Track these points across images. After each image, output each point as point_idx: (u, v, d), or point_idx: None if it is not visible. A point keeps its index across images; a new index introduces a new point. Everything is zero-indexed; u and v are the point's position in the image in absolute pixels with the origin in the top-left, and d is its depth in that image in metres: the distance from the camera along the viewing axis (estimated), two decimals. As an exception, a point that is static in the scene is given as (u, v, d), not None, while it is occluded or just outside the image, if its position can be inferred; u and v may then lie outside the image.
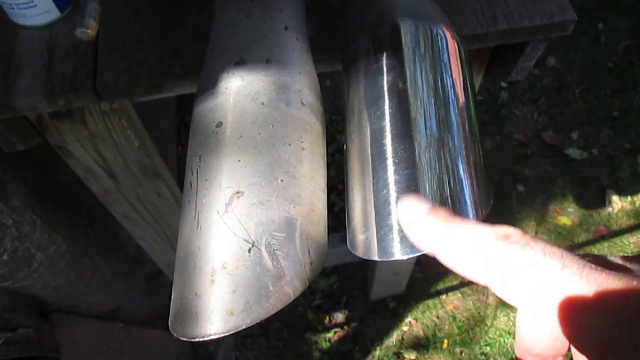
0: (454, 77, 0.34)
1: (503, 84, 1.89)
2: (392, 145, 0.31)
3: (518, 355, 0.25)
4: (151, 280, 1.13)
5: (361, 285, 1.56)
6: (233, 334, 0.26)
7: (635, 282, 0.18)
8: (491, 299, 1.54)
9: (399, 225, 0.28)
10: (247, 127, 0.32)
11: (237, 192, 0.30)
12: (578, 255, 0.19)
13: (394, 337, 1.50)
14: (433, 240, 0.22)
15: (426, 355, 1.46)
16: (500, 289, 0.20)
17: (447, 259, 0.22)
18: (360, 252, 0.30)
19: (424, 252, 0.27)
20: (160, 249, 0.94)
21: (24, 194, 0.69)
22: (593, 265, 0.18)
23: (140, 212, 0.78)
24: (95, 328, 0.98)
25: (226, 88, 0.34)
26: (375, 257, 0.29)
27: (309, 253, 0.30)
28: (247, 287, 0.27)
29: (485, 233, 0.20)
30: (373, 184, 0.30)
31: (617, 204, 1.66)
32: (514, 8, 0.51)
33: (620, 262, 0.21)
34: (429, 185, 0.29)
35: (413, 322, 1.52)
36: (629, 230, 1.63)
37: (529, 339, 0.24)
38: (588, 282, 0.18)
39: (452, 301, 1.55)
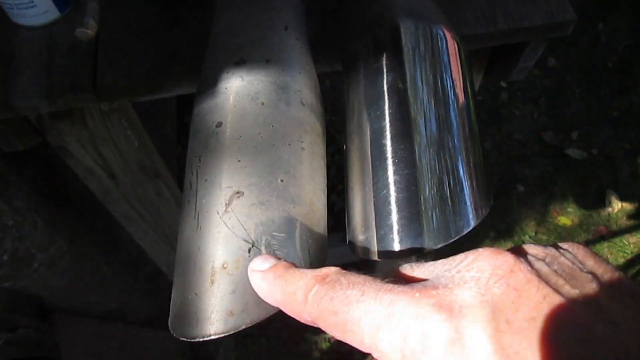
0: (453, 78, 0.34)
1: (503, 84, 1.89)
2: (391, 145, 0.31)
3: None
4: (151, 280, 1.12)
5: (361, 286, 1.56)
6: (233, 334, 0.26)
7: (416, 294, 0.19)
8: (491, 299, 1.54)
9: (399, 225, 0.28)
10: (247, 127, 0.32)
11: (237, 192, 0.30)
12: (380, 277, 0.21)
13: (393, 337, 1.50)
14: (269, 290, 0.24)
15: (426, 356, 1.46)
16: (326, 330, 0.22)
17: (285, 309, 0.24)
18: (360, 252, 0.30)
19: (423, 253, 0.27)
20: (160, 249, 0.94)
21: (28, 194, 0.69)
22: (390, 286, 0.20)
23: (140, 212, 0.78)
24: (95, 328, 0.98)
25: (226, 88, 0.34)
26: (375, 257, 0.29)
27: (309, 253, 0.30)
28: (247, 288, 0.27)
29: (308, 280, 0.22)
30: (373, 184, 0.30)
31: (617, 204, 1.66)
32: (514, 8, 0.51)
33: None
34: (429, 185, 0.29)
35: (413, 322, 1.52)
36: (629, 230, 1.63)
37: None
38: (382, 304, 0.19)
39: (452, 301, 1.55)
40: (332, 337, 1.51)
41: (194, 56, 0.50)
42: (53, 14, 0.51)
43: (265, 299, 0.25)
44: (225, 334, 0.26)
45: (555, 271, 0.19)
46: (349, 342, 0.21)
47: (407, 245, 0.28)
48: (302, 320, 0.23)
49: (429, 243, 0.27)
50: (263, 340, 1.47)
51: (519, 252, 0.20)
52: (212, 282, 0.28)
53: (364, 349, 0.20)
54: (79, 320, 0.94)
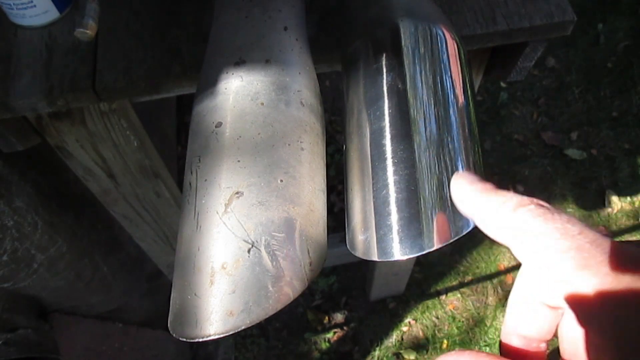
0: (453, 78, 0.34)
1: (502, 84, 1.89)
2: (391, 145, 0.31)
3: (503, 335, 0.27)
4: (151, 280, 1.13)
5: (361, 286, 1.56)
6: (232, 334, 0.26)
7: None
8: (490, 299, 1.54)
9: (398, 225, 0.28)
10: (247, 127, 0.32)
11: (237, 193, 0.30)
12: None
13: (393, 338, 1.50)
14: (473, 196, 0.25)
15: (425, 356, 1.46)
16: (515, 249, 0.22)
17: (480, 216, 0.24)
18: (359, 253, 0.30)
19: (423, 253, 0.27)
20: (160, 250, 0.94)
21: (28, 194, 0.69)
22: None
23: (140, 213, 0.78)
24: (95, 328, 0.98)
25: (225, 88, 0.34)
26: (375, 258, 0.29)
27: (309, 253, 0.30)
28: (247, 288, 0.27)
29: (523, 198, 0.22)
30: (372, 184, 0.30)
31: (617, 204, 1.66)
32: (514, 8, 0.52)
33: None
34: (429, 185, 0.29)
35: (412, 322, 1.52)
36: (629, 230, 1.63)
37: (519, 318, 0.26)
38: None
39: (452, 301, 1.55)
40: (332, 338, 1.51)
41: (194, 56, 0.50)
42: (53, 14, 0.51)
43: (461, 204, 0.26)
44: (225, 335, 0.26)
45: None
46: (531, 266, 0.22)
47: (407, 245, 0.28)
48: (491, 233, 0.23)
49: (429, 243, 0.27)
50: (262, 340, 1.47)
51: None
52: (212, 282, 0.28)
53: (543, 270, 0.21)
54: (78, 320, 0.94)
